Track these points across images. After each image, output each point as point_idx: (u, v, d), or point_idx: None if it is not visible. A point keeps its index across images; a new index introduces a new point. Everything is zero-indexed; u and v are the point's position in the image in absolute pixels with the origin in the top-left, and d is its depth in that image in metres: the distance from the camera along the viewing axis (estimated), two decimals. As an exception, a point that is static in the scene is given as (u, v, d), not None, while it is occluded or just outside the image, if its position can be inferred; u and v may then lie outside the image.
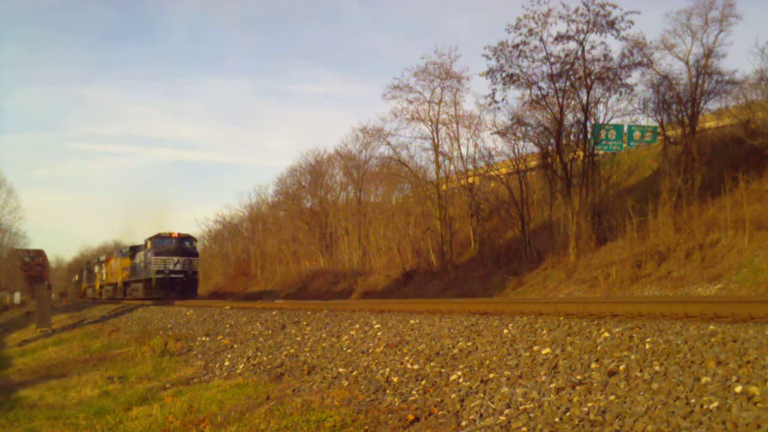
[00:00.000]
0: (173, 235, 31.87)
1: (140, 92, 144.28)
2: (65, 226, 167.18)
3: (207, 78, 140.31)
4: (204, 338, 13.03)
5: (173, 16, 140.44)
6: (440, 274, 28.31)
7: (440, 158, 30.78)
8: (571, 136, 24.31)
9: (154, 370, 10.76)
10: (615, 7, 21.37)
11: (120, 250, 39.91)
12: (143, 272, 32.34)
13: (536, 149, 26.88)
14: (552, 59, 22.60)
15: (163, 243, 31.35)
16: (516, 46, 22.53)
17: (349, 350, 8.55)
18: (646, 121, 26.01)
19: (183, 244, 31.90)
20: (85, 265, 58.10)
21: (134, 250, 35.76)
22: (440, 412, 5.52)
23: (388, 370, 7.15)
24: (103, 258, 46.50)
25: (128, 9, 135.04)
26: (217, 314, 16.09)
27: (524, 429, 4.66)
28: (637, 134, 30.00)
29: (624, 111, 24.36)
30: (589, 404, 4.70)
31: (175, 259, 30.75)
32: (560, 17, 21.72)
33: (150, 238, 31.89)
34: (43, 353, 16.30)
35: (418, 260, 31.55)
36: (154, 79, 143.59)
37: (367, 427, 5.51)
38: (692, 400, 4.28)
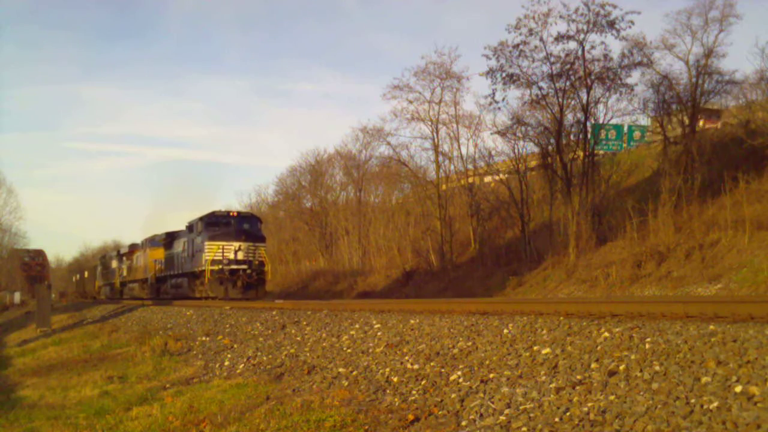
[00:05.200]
0: (231, 214, 24.25)
1: (139, 91, 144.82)
2: (65, 226, 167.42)
3: (206, 77, 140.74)
4: (204, 338, 13.02)
5: (172, 15, 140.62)
6: (440, 274, 28.34)
7: (440, 158, 30.88)
8: (571, 136, 24.34)
9: (154, 370, 10.76)
10: (615, 7, 21.49)
11: (150, 239, 32.02)
12: (188, 264, 24.92)
13: (536, 149, 26.92)
14: (552, 59, 22.70)
15: (218, 224, 23.32)
16: (516, 46, 22.63)
17: (349, 350, 8.54)
18: (646, 121, 26.07)
19: (244, 226, 23.64)
20: (99, 261, 50.25)
21: (171, 237, 28.21)
22: (440, 412, 5.52)
23: (388, 370, 7.14)
24: (124, 250, 38.47)
25: (127, 8, 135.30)
26: (217, 314, 16.08)
27: (524, 429, 4.65)
28: (637, 134, 30.04)
29: (624, 111, 24.45)
30: (589, 404, 4.70)
31: (236, 245, 22.52)
32: (560, 17, 21.84)
33: (200, 219, 23.89)
34: (43, 353, 16.30)
35: (418, 260, 31.57)
36: (153, 79, 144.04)
37: (367, 427, 5.50)
38: (692, 400, 4.27)
